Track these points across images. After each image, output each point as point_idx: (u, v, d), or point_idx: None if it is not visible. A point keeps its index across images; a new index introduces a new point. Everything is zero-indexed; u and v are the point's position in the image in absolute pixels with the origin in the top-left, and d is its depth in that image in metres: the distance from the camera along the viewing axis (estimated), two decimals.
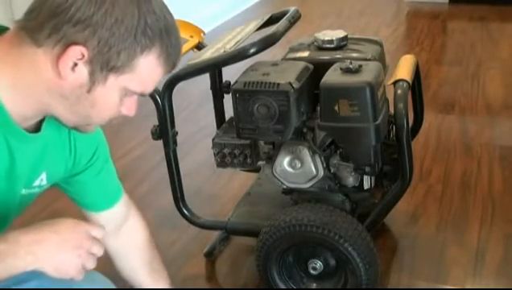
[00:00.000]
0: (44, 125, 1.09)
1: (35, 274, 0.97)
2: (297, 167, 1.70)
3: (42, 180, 1.16)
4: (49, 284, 1.03)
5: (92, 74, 0.97)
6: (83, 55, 0.95)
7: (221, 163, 1.79)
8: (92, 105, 1.01)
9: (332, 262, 1.67)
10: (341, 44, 1.79)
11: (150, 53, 0.99)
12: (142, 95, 1.06)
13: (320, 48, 1.80)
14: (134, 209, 1.47)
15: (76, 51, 0.95)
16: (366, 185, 1.72)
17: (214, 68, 1.86)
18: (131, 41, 0.96)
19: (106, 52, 0.95)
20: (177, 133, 1.75)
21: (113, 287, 1.24)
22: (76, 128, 1.08)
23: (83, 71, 0.97)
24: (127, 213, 1.44)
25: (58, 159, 1.18)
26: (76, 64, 0.96)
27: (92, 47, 0.95)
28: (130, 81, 1.00)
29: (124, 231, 1.44)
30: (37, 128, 1.09)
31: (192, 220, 1.87)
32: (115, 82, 0.99)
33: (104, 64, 0.97)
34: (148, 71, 1.01)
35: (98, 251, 1.01)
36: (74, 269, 0.98)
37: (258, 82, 1.61)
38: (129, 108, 1.06)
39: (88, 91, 0.99)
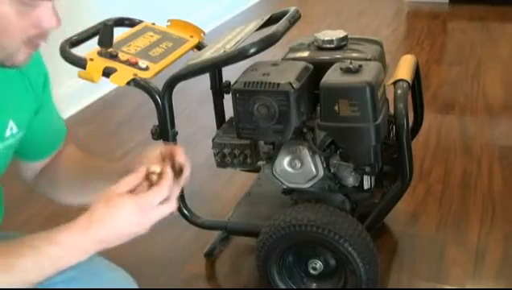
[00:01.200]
0: None
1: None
2: (297, 167, 1.70)
3: (12, 129, 1.10)
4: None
5: None
6: None
7: (221, 163, 1.79)
8: None
9: (332, 262, 1.67)
10: (341, 44, 1.79)
11: None
12: None
13: (320, 48, 1.80)
14: None
15: None
16: (366, 185, 1.72)
17: (214, 68, 1.86)
18: None
19: None
20: (177, 133, 1.75)
21: (136, 286, 1.23)
22: (2, 64, 0.99)
23: None
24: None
25: (18, 100, 1.12)
26: None
27: None
28: None
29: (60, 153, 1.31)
30: None
31: (191, 220, 1.87)
32: None
33: None
34: None
35: (171, 211, 0.99)
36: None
37: (258, 82, 1.62)
38: (45, 18, 0.96)
39: None
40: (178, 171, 1.06)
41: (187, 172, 1.08)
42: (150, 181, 1.00)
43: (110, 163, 1.23)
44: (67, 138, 1.32)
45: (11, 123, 1.10)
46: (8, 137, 1.10)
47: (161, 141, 1.75)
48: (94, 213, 0.94)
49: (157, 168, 1.00)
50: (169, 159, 1.08)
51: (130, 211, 0.94)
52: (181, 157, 1.08)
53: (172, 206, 0.99)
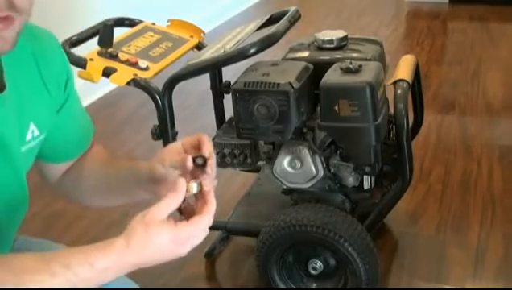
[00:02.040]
0: (6, 77, 1.01)
1: None
2: (297, 167, 1.70)
3: (34, 132, 1.09)
4: None
5: None
6: None
7: (221, 163, 1.79)
8: None
9: (332, 262, 1.67)
10: (341, 44, 1.79)
11: None
12: None
13: (320, 48, 1.80)
14: None
15: None
16: (366, 185, 1.72)
17: (214, 68, 1.86)
18: None
19: None
20: (177, 133, 1.75)
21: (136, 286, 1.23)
22: None
23: None
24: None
25: (37, 102, 1.10)
26: None
27: None
28: None
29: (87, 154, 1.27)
30: (2, 87, 1.01)
31: None
32: None
33: None
34: None
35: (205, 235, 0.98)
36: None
37: (258, 82, 1.62)
38: None
39: None
40: (202, 164, 1.05)
41: (210, 171, 1.06)
42: (188, 198, 0.99)
43: (136, 164, 1.19)
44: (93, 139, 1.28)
45: (32, 126, 1.09)
46: (29, 140, 1.09)
47: (161, 141, 1.75)
48: (132, 239, 0.92)
49: (194, 189, 1.00)
50: (191, 152, 1.07)
51: (168, 241, 0.95)
52: (204, 151, 1.07)
53: (207, 232, 0.99)
